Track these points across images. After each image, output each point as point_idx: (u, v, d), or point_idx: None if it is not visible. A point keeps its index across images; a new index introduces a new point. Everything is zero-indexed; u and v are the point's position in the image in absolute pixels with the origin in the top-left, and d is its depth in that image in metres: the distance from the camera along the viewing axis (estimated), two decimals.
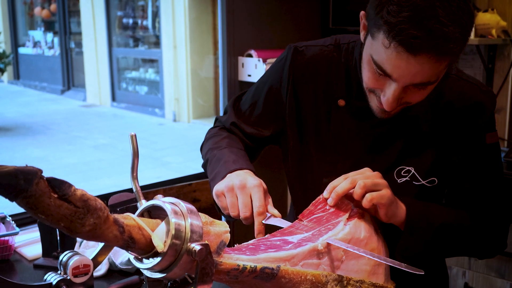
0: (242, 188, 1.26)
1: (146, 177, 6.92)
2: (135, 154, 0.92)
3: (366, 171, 1.23)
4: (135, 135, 0.92)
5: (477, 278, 2.40)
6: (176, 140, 9.38)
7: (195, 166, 7.65)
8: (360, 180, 1.18)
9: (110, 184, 6.43)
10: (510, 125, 2.89)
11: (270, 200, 1.28)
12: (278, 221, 1.21)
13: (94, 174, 7.28)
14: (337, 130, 1.41)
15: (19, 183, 0.71)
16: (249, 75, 2.62)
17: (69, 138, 9.44)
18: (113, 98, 12.47)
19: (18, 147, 8.79)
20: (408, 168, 1.36)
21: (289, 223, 1.20)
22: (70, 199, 0.76)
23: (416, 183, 1.36)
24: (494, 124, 1.37)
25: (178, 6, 10.65)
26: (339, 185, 1.20)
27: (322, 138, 1.44)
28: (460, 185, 1.38)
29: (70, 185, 0.77)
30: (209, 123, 9.99)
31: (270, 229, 1.19)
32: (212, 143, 1.52)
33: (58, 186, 0.75)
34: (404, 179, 1.36)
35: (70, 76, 14.15)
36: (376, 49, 1.16)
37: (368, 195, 1.17)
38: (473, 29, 2.73)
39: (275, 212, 1.24)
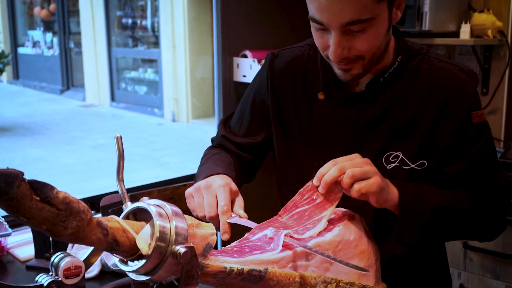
0: (207, 188, 1.26)
1: (146, 177, 6.91)
2: (121, 156, 0.92)
3: (356, 158, 1.19)
4: (121, 137, 0.92)
5: (472, 279, 2.40)
6: (175, 140, 9.38)
7: (194, 166, 7.57)
8: (348, 169, 1.15)
9: (109, 184, 6.43)
10: (506, 126, 2.88)
11: (241, 201, 1.27)
12: (243, 221, 1.20)
13: (92, 174, 7.27)
14: (320, 123, 1.41)
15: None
16: (244, 76, 2.62)
17: (68, 138, 9.44)
18: (112, 98, 12.47)
19: (17, 147, 8.79)
20: (396, 153, 1.35)
21: (255, 224, 1.19)
22: (52, 202, 0.75)
23: (406, 167, 1.34)
24: (479, 103, 1.36)
25: (177, 6, 10.65)
26: (328, 173, 1.16)
27: (306, 135, 1.44)
28: (452, 166, 1.35)
29: (52, 188, 0.76)
30: (208, 123, 9.92)
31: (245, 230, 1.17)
32: (202, 161, 1.54)
33: (40, 189, 0.75)
34: (393, 164, 1.35)
35: (69, 76, 14.16)
36: (309, 6, 1.23)
37: (356, 186, 1.14)
38: (469, 30, 2.72)
39: (241, 212, 1.23)
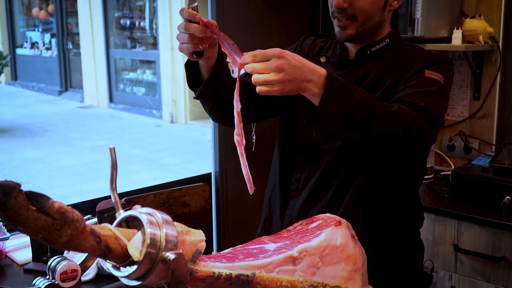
0: None
1: (144, 178, 6.96)
2: (114, 166, 0.96)
3: (272, 57, 1.29)
4: (114, 148, 0.96)
5: (463, 282, 2.44)
6: (173, 141, 9.41)
7: (192, 167, 7.68)
8: (255, 74, 1.30)
9: (107, 186, 6.45)
10: (498, 130, 2.92)
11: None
12: None
13: (91, 175, 7.31)
14: None
15: None
16: None
17: (66, 140, 9.47)
18: (111, 99, 12.50)
19: (15, 148, 8.82)
20: None
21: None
22: (48, 212, 0.79)
23: None
24: (440, 69, 1.59)
25: (175, 7, 10.68)
26: (246, 66, 1.32)
27: None
28: (400, 93, 1.55)
29: (48, 198, 0.80)
30: (207, 125, 9.89)
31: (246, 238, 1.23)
32: None
33: (36, 199, 0.79)
34: None
35: (67, 77, 14.19)
36: None
37: (257, 88, 1.30)
38: (461, 35, 2.76)
39: None
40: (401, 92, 1.54)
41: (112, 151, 0.96)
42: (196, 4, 1.46)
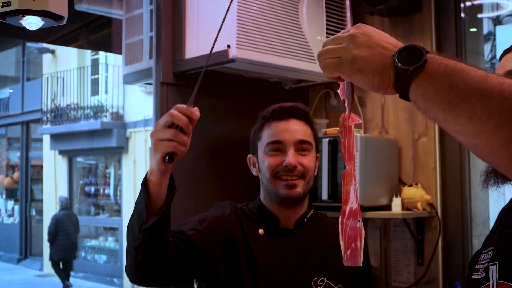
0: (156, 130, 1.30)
1: None
2: None
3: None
4: None
5: None
6: None
7: None
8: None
9: None
10: None
11: None
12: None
13: None
14: (263, 251, 1.68)
15: None
16: None
17: None
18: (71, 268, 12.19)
19: None
20: (322, 278, 1.66)
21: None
22: None
23: None
24: None
25: (140, 173, 10.86)
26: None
27: (254, 264, 1.67)
28: None
29: None
30: None
31: None
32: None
33: None
34: (321, 286, 1.65)
35: (27, 245, 13.92)
36: (265, 139, 1.72)
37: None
38: (400, 203, 2.85)
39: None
40: None
41: None
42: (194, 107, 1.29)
